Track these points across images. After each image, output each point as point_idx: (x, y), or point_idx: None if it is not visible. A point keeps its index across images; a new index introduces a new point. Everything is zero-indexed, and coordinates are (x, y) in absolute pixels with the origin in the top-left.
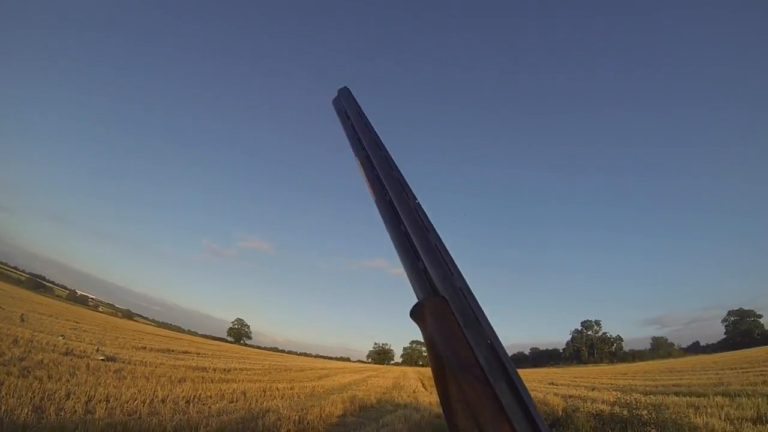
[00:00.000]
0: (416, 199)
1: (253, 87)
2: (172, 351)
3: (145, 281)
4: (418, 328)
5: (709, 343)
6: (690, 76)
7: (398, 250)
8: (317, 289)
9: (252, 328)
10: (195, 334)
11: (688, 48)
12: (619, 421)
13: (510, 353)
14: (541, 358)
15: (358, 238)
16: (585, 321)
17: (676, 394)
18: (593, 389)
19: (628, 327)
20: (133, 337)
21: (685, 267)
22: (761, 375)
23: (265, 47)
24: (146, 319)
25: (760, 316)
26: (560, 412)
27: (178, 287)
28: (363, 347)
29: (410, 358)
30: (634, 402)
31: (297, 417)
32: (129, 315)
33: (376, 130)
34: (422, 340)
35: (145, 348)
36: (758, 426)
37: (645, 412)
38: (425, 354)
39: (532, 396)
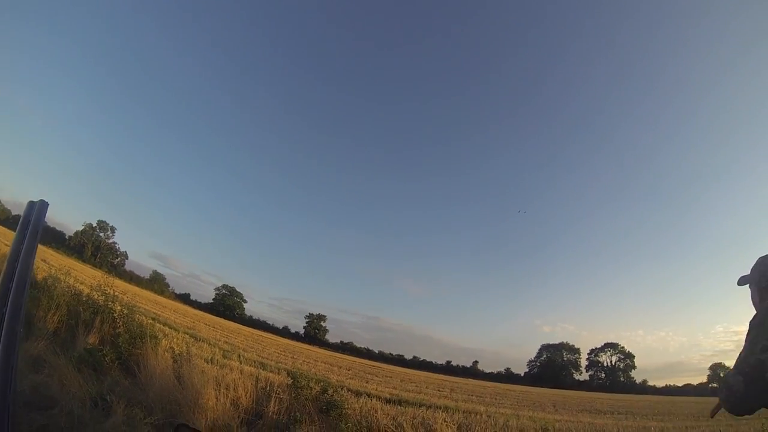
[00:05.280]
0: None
1: None
2: None
3: None
4: None
5: (198, 300)
6: None
7: None
8: None
9: None
10: None
11: None
12: (93, 305)
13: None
14: (46, 235)
15: None
16: (101, 221)
17: (154, 319)
18: (81, 283)
19: (138, 251)
20: None
21: (214, 228)
22: (223, 335)
23: None
24: None
25: (245, 301)
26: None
27: None
28: None
29: None
30: (112, 294)
31: None
32: None
33: None
34: None
35: None
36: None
37: (119, 307)
38: None
39: None
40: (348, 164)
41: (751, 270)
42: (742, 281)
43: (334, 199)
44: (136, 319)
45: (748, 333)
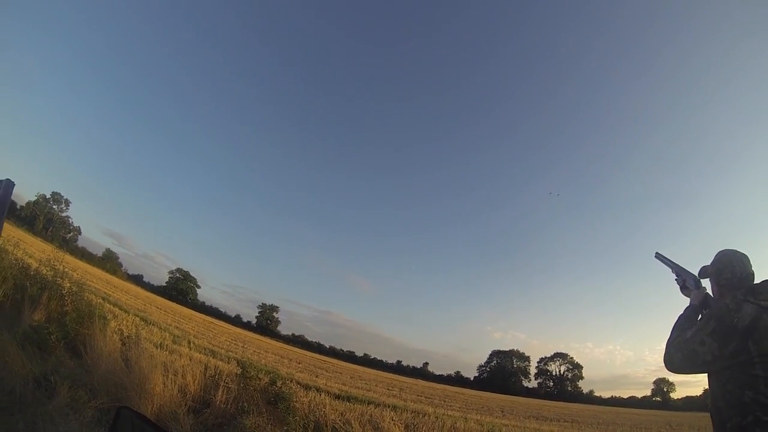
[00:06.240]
0: None
1: None
2: None
3: None
4: None
5: (151, 282)
6: None
7: None
8: None
9: None
10: None
11: None
12: (41, 280)
13: None
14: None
15: None
16: (56, 192)
17: (104, 299)
18: (30, 256)
19: (92, 228)
20: None
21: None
22: (174, 320)
23: None
24: None
25: (198, 287)
26: None
27: None
28: None
29: None
30: (62, 270)
31: None
32: None
33: None
34: None
35: None
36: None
37: (68, 284)
38: None
39: None
40: (310, 157)
41: (711, 264)
42: (702, 273)
43: (294, 191)
44: (86, 298)
45: (702, 317)
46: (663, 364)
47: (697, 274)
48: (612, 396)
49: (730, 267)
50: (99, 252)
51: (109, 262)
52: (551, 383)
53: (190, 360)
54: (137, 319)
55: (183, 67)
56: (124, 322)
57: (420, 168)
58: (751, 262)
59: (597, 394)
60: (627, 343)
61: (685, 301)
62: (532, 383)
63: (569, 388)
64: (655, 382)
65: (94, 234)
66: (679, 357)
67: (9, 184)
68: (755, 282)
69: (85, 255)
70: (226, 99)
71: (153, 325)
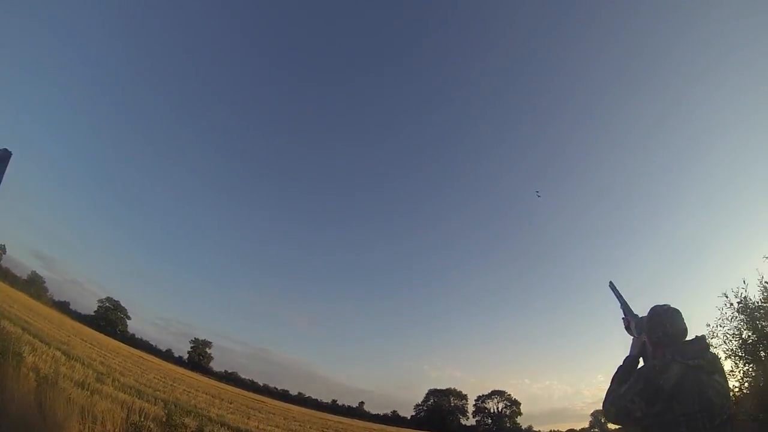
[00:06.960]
0: None
1: None
2: None
3: None
4: None
5: (78, 311)
6: None
7: None
8: None
9: None
10: None
11: None
12: None
13: None
14: None
15: None
16: None
17: (24, 329)
18: None
19: (17, 247)
20: None
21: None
22: (100, 354)
23: None
24: None
25: (129, 317)
26: None
27: None
28: None
29: None
30: None
31: None
32: None
33: None
34: None
35: None
36: None
37: None
38: None
39: None
40: (245, 198)
41: (645, 320)
42: (639, 325)
43: (233, 229)
44: (2, 329)
45: (635, 373)
46: (599, 396)
47: (633, 329)
48: (551, 430)
49: (661, 326)
50: (24, 274)
51: (33, 286)
52: (490, 420)
53: (113, 402)
54: (58, 353)
55: (139, 73)
56: (44, 356)
57: (365, 208)
58: (684, 317)
59: (536, 428)
60: (564, 378)
61: (618, 341)
62: (471, 421)
63: (508, 425)
64: (592, 414)
65: (20, 253)
66: (613, 412)
67: (6, 154)
68: (687, 337)
69: (8, 276)
70: (176, 115)
71: (76, 360)
